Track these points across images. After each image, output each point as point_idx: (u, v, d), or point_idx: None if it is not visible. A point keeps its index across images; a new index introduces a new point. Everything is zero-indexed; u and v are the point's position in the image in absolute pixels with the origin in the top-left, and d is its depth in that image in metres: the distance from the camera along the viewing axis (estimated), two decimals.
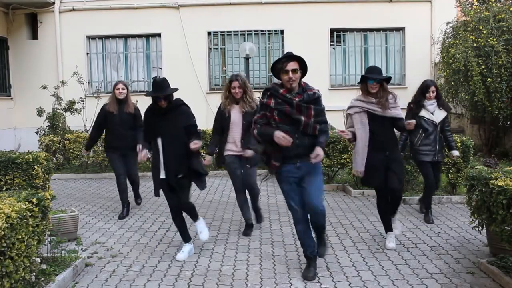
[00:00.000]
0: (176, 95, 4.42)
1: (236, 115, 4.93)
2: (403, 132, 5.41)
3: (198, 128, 4.42)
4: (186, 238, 4.56)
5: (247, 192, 5.18)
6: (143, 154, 4.42)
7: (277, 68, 3.76)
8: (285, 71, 3.70)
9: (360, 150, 4.45)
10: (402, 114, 4.54)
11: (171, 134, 4.26)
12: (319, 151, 3.70)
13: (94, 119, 6.25)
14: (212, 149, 5.16)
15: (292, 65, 3.69)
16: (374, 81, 4.38)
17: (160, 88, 4.22)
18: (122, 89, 5.97)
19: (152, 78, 4.53)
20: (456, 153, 5.69)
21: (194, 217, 4.62)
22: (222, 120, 5.01)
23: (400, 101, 4.51)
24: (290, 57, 3.74)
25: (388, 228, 4.70)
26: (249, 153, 4.79)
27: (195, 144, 4.19)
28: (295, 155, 3.74)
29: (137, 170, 6.40)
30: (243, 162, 4.96)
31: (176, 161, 4.27)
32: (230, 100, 4.96)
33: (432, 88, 5.47)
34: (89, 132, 6.49)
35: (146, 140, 4.50)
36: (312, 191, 3.77)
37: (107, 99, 6.18)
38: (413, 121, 4.56)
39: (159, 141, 4.30)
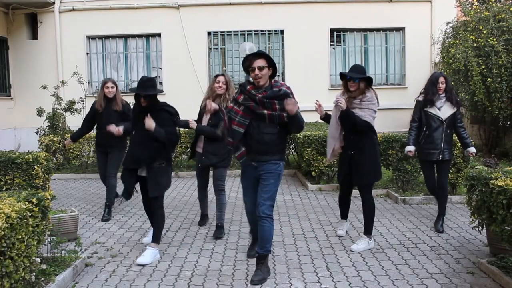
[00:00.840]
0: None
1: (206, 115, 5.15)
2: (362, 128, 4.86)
3: (173, 135, 4.40)
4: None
5: (214, 197, 5.31)
6: (114, 128, 5.08)
7: (245, 66, 3.84)
8: (251, 68, 3.76)
9: (329, 139, 4.73)
10: (368, 118, 4.45)
11: (142, 133, 4.31)
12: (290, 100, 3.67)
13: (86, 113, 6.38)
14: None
15: (258, 63, 3.74)
16: (351, 80, 4.47)
17: (142, 87, 4.29)
18: (112, 87, 5.98)
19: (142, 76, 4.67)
20: (472, 149, 5.34)
21: (155, 238, 4.44)
22: (199, 115, 5.24)
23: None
24: (256, 54, 3.81)
25: (344, 215, 5.09)
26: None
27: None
28: (255, 151, 3.84)
29: (115, 170, 6.01)
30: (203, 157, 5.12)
31: (138, 159, 4.36)
32: (213, 95, 5.11)
33: (441, 79, 5.17)
34: (83, 120, 6.47)
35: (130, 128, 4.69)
36: (261, 196, 3.82)
37: (96, 96, 6.26)
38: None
39: (133, 134, 4.48)
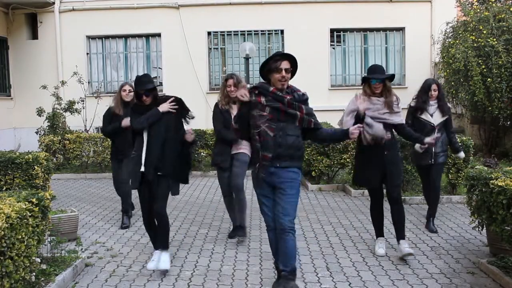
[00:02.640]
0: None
1: None
2: (403, 137, 4.77)
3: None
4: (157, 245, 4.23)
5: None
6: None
7: (270, 66, 3.53)
8: (279, 69, 3.48)
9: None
10: (403, 119, 4.45)
11: (156, 131, 4.08)
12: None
13: (102, 123, 5.80)
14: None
15: (285, 64, 3.50)
16: (376, 81, 4.28)
17: (140, 84, 4.11)
18: (129, 91, 5.57)
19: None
20: (462, 155, 5.53)
21: (163, 243, 4.12)
22: (225, 122, 4.88)
23: (400, 101, 4.45)
24: (284, 55, 3.56)
25: (380, 233, 4.59)
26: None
27: (190, 134, 4.10)
28: (275, 156, 3.46)
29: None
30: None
31: (158, 158, 4.05)
32: (228, 99, 4.89)
33: (434, 87, 5.23)
34: (103, 132, 5.89)
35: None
36: (282, 207, 3.45)
37: (112, 100, 5.72)
38: (433, 140, 4.44)
39: (144, 135, 4.13)
